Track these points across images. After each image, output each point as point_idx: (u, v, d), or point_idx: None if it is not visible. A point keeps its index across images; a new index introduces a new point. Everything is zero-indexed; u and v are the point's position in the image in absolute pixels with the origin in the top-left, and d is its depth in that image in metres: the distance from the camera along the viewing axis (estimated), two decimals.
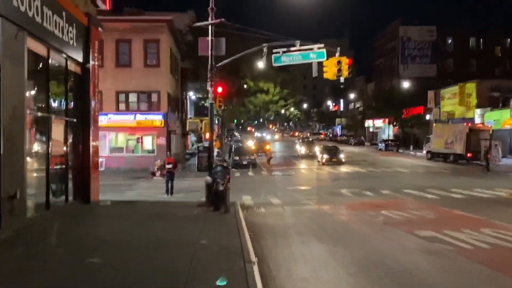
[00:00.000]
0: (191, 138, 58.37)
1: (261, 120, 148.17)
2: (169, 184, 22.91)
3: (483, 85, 53.32)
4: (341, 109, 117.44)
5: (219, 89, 24.63)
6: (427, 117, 63.23)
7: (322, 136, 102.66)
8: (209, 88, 20.63)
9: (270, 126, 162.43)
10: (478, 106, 52.57)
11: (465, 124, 44.69)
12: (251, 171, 36.88)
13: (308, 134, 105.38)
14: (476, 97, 53.16)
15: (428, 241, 12.70)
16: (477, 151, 40.51)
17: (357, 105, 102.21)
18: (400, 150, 62.24)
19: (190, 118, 53.27)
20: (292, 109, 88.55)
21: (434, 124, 53.82)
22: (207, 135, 27.13)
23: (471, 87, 54.01)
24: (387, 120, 73.12)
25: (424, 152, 49.04)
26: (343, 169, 37.44)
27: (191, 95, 55.58)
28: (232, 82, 55.21)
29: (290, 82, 68.62)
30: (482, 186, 24.60)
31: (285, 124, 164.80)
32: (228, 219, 15.06)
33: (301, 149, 50.32)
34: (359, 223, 15.52)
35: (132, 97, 39.14)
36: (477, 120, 51.44)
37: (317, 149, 46.79)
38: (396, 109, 66.36)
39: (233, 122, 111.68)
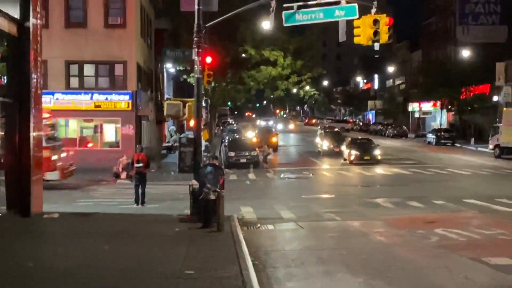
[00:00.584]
0: (170, 126, 58.45)
1: (264, 103, 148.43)
2: (139, 190, 22.88)
3: None
4: (376, 87, 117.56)
5: (208, 59, 24.54)
6: (495, 98, 63.20)
7: (349, 124, 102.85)
8: (195, 58, 20.55)
9: (277, 110, 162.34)
10: None
11: None
12: (252, 172, 37.05)
13: (329, 122, 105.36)
14: None
15: (505, 272, 12.61)
16: None
17: (398, 82, 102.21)
18: (457, 144, 62.36)
19: (169, 99, 53.15)
20: (307, 87, 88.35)
21: (505, 108, 53.28)
22: (192, 123, 27.08)
23: None
24: (439, 102, 73.05)
25: (491, 147, 49.28)
26: (379, 170, 37.64)
27: (170, 67, 55.47)
28: (226, 49, 55.18)
29: (305, 51, 68.50)
30: None
31: (298, 108, 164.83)
32: (222, 239, 15.05)
33: (323, 143, 50.31)
34: (405, 246, 15.47)
35: (88, 70, 39.06)
36: None
37: (343, 143, 46.86)
38: (452, 88, 66.36)
39: (226, 106, 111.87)
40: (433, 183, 30.63)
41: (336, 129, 66.02)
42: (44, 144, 20.70)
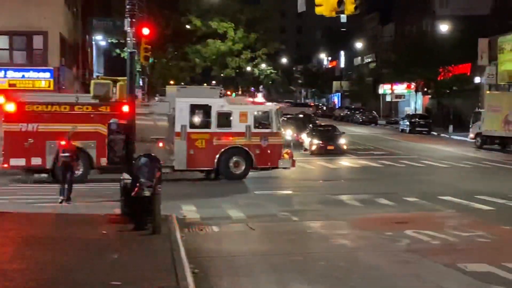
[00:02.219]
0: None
1: (213, 83, 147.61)
2: (65, 185, 22.50)
3: None
4: (342, 66, 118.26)
5: (145, 31, 24.26)
6: (477, 80, 64.14)
7: (311, 109, 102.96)
8: (127, 29, 20.26)
9: (228, 92, 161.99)
10: None
11: None
12: None
13: (287, 106, 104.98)
14: None
15: (481, 281, 12.72)
16: None
17: (367, 60, 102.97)
18: (434, 133, 63.12)
19: (98, 77, 52.39)
20: (263, 65, 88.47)
21: (488, 91, 54.75)
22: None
23: None
24: (413, 84, 73.81)
25: (471, 135, 50.06)
26: (345, 162, 37.66)
27: (100, 40, 54.73)
28: (167, 20, 54.73)
29: (260, 22, 68.47)
30: None
31: (252, 89, 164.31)
32: (157, 244, 14.92)
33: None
34: (371, 251, 15.53)
35: (1, 42, 38.49)
36: None
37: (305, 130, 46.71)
38: (428, 68, 67.05)
39: (168, 85, 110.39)
40: (406, 178, 30.87)
41: (300, 115, 65.55)
42: None
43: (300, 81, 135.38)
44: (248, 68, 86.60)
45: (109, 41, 55.42)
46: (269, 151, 28.71)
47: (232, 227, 18.77)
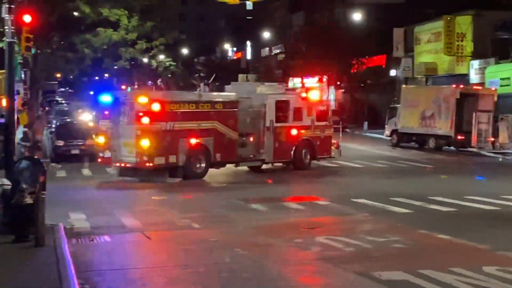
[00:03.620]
0: None
1: (106, 76, 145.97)
2: None
3: (484, 19, 56.04)
4: (248, 57, 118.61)
5: (27, 18, 23.63)
6: (393, 73, 65.33)
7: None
8: (6, 16, 19.80)
9: (124, 86, 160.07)
10: (476, 55, 54.94)
11: (454, 85, 46.78)
12: (88, 167, 36.22)
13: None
14: (472, 39, 55.52)
15: None
16: (474, 130, 43.15)
17: (276, 51, 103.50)
18: (348, 130, 63.78)
19: None
20: (161, 56, 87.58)
21: (404, 86, 55.64)
22: (4, 102, 26.09)
23: (464, 22, 56.63)
24: (325, 77, 74.49)
25: (387, 133, 51.18)
26: None
27: None
28: (52, 5, 53.57)
29: (157, 9, 67.92)
30: (481, 192, 25.79)
31: (150, 83, 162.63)
32: (41, 257, 14.69)
33: None
34: (278, 261, 15.62)
35: None
36: (474, 78, 53.87)
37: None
38: (340, 59, 67.71)
39: (54, 80, 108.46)
40: (317, 179, 31.28)
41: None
42: None
43: (202, 74, 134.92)
44: (145, 60, 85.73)
45: None
46: (325, 142, 34.95)
47: (126, 237, 18.58)
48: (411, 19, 62.77)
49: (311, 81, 79.63)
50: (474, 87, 48.72)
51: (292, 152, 33.44)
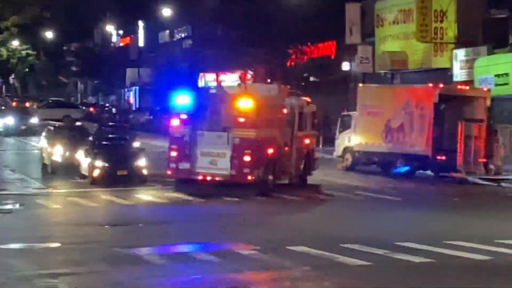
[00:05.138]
0: None
1: None
2: None
3: None
4: (141, 44, 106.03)
5: None
6: (345, 66, 59.65)
7: (81, 110, 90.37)
8: None
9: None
10: (462, 42, 48.44)
11: (430, 84, 40.54)
12: None
13: (45, 108, 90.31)
14: (456, 20, 48.82)
15: None
16: (459, 149, 37.76)
17: (180, 35, 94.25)
18: None
19: None
20: (15, 42, 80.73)
21: (361, 84, 48.37)
22: None
23: None
24: (251, 73, 69.13)
25: (337, 151, 45.03)
26: (146, 195, 33.77)
27: None
28: None
29: None
30: (468, 235, 23.39)
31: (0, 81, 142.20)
32: None
33: (54, 149, 42.50)
34: None
35: None
36: (458, 75, 47.82)
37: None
38: (272, 48, 62.67)
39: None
40: (233, 219, 27.62)
41: (78, 123, 57.58)
42: None
43: (75, 69, 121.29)
44: None
45: None
46: None
47: None
48: None
49: (230, 78, 72.07)
50: (459, 86, 42.77)
51: None
